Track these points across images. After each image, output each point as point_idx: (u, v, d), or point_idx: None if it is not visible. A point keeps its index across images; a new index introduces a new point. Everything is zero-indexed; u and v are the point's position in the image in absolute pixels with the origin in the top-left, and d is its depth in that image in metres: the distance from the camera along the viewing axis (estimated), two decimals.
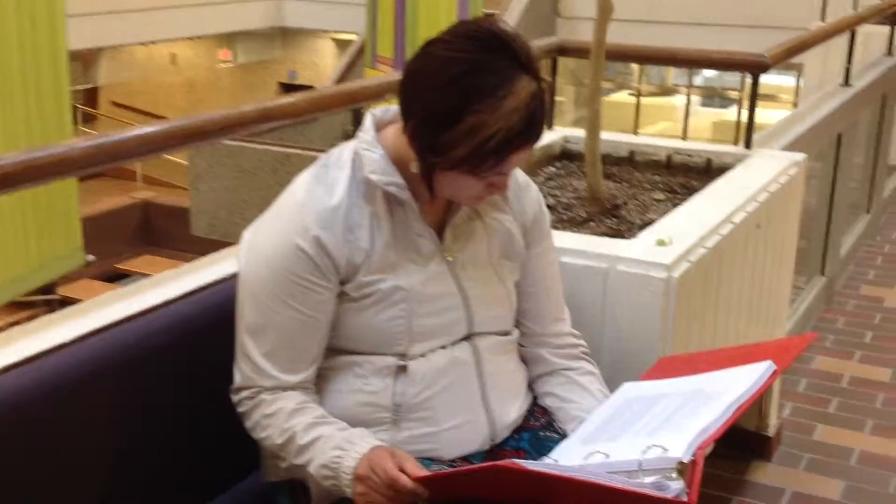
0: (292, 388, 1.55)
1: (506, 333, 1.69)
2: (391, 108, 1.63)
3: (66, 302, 6.59)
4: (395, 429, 1.57)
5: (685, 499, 1.32)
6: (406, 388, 1.56)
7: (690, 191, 2.66)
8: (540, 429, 1.68)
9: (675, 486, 1.33)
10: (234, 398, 1.59)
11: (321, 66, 14.41)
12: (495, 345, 1.66)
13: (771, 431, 2.90)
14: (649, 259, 1.88)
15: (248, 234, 1.58)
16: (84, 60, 13.24)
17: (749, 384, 1.45)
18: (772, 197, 2.45)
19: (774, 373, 1.47)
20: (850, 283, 4.41)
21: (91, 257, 4.39)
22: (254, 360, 1.54)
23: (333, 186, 1.54)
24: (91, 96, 14.55)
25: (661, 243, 1.97)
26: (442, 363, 1.58)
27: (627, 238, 2.19)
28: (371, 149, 1.54)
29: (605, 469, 1.42)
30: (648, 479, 1.34)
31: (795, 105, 7.35)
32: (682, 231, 2.06)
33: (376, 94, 2.15)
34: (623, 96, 11.71)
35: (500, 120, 1.41)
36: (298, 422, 1.52)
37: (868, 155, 4.90)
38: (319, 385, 1.60)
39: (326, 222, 1.51)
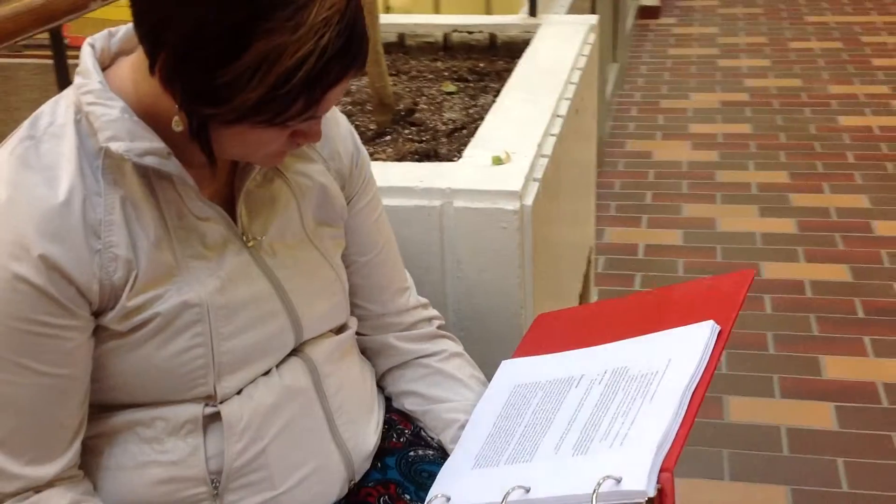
0: (49, 485, 1.02)
1: (342, 329, 1.22)
2: (118, 30, 1.08)
3: None
4: None
5: None
6: (224, 444, 1.08)
7: (481, 76, 2.25)
8: (407, 446, 1.25)
9: None
10: None
11: None
12: (333, 349, 1.19)
13: None
14: (493, 187, 1.45)
15: None
16: None
17: (694, 358, 1.08)
18: (584, 74, 2.08)
19: (720, 336, 1.10)
20: (615, 139, 4.23)
21: None
22: None
23: (54, 169, 0.98)
24: None
25: (497, 161, 1.54)
26: (270, 398, 1.10)
27: (441, 154, 1.75)
28: (102, 101, 0.99)
29: None
30: None
31: None
32: (512, 139, 1.64)
33: (74, 8, 1.53)
34: None
35: (307, 39, 0.91)
36: None
37: None
38: (88, 463, 1.08)
39: (55, 230, 0.96)
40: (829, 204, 3.48)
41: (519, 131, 1.68)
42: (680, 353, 1.09)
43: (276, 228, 1.13)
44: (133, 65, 1.02)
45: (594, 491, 0.97)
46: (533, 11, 2.42)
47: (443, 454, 1.23)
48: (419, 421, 1.28)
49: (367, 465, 1.21)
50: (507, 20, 2.42)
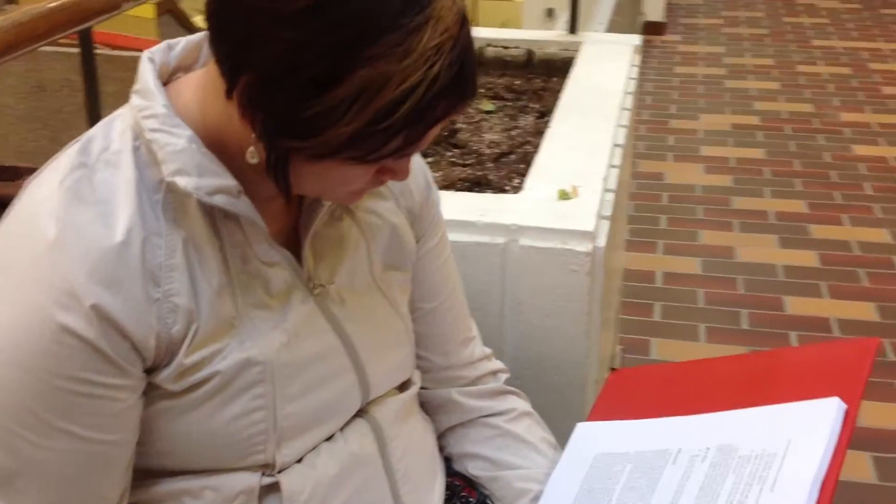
0: None
1: (405, 385, 1.09)
2: (177, 42, 0.95)
3: None
4: None
5: None
6: None
7: (518, 94, 2.13)
8: None
9: None
10: None
11: None
12: (398, 409, 1.06)
13: (617, 361, 2.52)
14: (563, 225, 1.33)
15: None
16: None
17: (821, 441, 0.95)
18: (634, 98, 1.97)
19: (847, 417, 0.98)
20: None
21: None
22: None
23: (110, 204, 0.85)
24: None
25: (564, 196, 1.42)
26: (335, 467, 0.97)
27: (493, 183, 1.62)
28: (167, 128, 0.86)
29: None
30: None
31: None
32: (573, 170, 1.52)
33: (108, 8, 1.39)
34: None
35: (416, 69, 0.78)
36: None
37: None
38: None
39: (111, 275, 0.83)
40: (850, 237, 3.38)
41: (580, 162, 1.56)
42: (802, 433, 0.97)
43: (345, 274, 0.99)
44: (200, 84, 0.89)
45: None
46: (573, 28, 2.31)
47: None
48: (485, 488, 1.15)
49: None
50: (546, 36, 2.30)
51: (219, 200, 0.86)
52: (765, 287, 3.07)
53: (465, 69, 0.81)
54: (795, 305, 2.96)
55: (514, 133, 1.90)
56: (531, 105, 2.06)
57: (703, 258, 3.26)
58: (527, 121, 1.97)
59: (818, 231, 3.44)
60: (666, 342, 2.77)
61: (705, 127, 4.50)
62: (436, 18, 0.78)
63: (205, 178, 0.85)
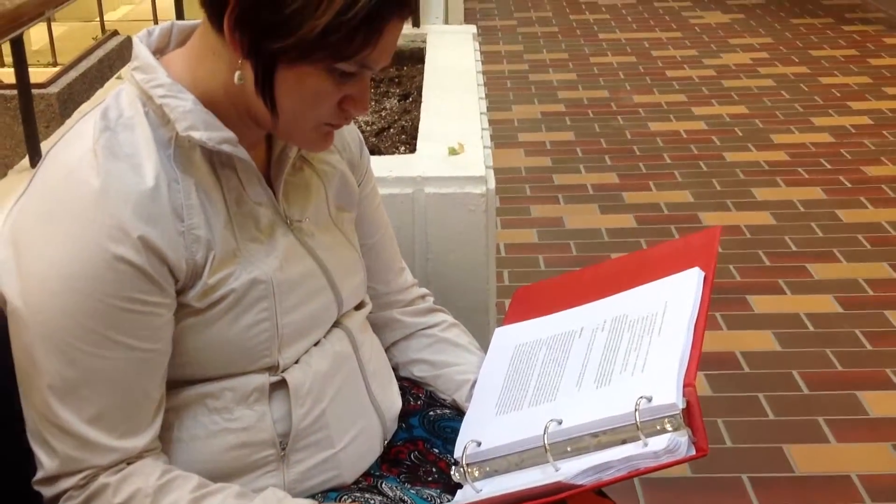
0: (139, 456, 1.08)
1: (361, 305, 1.33)
2: (154, 29, 1.15)
3: None
4: (283, 467, 1.17)
5: (693, 453, 1.11)
6: (290, 409, 1.16)
7: (377, 83, 2.38)
8: (425, 407, 1.36)
9: (682, 439, 1.11)
10: (49, 492, 1.07)
11: None
12: (362, 322, 1.30)
13: None
14: (461, 174, 1.60)
15: (8, 251, 1.04)
16: None
17: (689, 297, 1.25)
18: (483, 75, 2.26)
19: (706, 282, 1.29)
20: None
21: None
22: (75, 431, 1.04)
23: (136, 157, 1.05)
24: None
25: (453, 152, 1.68)
26: (326, 365, 1.20)
27: (385, 150, 1.87)
28: (174, 94, 1.07)
29: (585, 431, 1.15)
30: (656, 442, 1.11)
31: None
32: (453, 133, 1.79)
33: (37, 15, 1.54)
34: None
35: None
36: (172, 502, 1.05)
37: None
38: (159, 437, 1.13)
39: (149, 213, 1.03)
40: (658, 200, 3.82)
41: (457, 127, 1.83)
42: (674, 296, 1.26)
43: (311, 213, 1.22)
44: (186, 57, 1.09)
45: (636, 409, 1.12)
46: (416, 23, 2.59)
47: (458, 412, 1.35)
48: (430, 385, 1.39)
49: (395, 426, 1.32)
50: None
51: (225, 148, 1.07)
52: (593, 248, 3.45)
53: None
54: None
55: (384, 114, 2.15)
56: (391, 90, 2.32)
57: (537, 229, 3.61)
58: (391, 103, 2.22)
59: (631, 197, 3.87)
60: None
61: (519, 116, 4.89)
62: None
63: (211, 132, 1.06)
